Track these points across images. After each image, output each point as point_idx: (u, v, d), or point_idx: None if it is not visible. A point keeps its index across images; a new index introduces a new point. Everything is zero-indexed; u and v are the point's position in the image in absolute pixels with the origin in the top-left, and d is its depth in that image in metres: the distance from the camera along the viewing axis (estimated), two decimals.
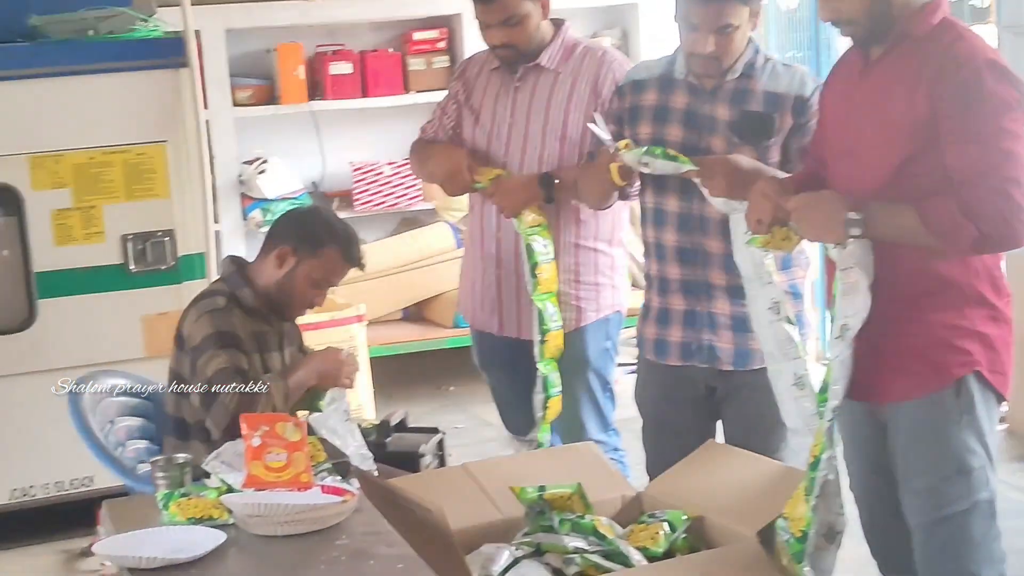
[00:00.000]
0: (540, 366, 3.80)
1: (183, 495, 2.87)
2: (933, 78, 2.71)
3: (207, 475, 3.01)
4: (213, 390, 3.36)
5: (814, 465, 2.85)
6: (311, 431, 3.30)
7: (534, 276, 3.76)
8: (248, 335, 3.49)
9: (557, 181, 3.78)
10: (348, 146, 7.05)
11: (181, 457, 3.00)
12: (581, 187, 3.61)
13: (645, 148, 3.21)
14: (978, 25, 6.17)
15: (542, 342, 3.78)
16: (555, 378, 3.83)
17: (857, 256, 2.77)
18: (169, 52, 4.66)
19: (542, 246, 3.77)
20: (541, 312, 3.77)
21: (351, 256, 3.61)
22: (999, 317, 2.85)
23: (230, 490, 2.90)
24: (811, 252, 3.59)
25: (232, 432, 3.24)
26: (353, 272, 5.73)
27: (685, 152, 3.24)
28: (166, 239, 4.67)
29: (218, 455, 3.00)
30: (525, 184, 3.78)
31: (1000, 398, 2.87)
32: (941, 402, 2.82)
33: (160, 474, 2.95)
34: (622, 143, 3.30)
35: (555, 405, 3.86)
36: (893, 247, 2.75)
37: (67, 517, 4.58)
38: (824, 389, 2.85)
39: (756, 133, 3.29)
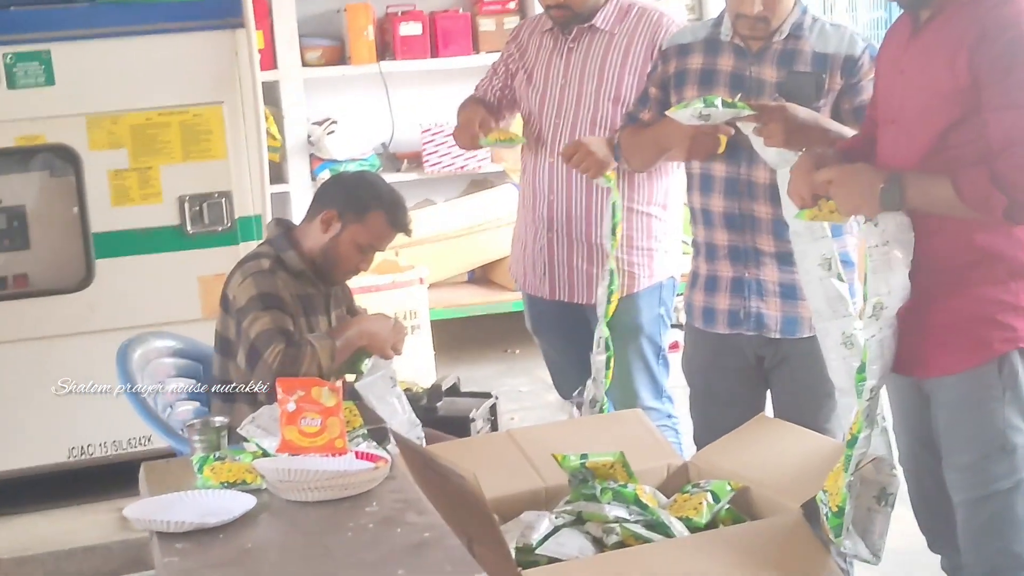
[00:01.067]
0: (603, 327, 3.72)
1: (218, 459, 2.86)
2: (974, 43, 2.60)
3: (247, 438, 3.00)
4: (257, 350, 3.34)
5: (851, 443, 2.78)
6: (354, 397, 3.28)
7: (613, 235, 3.68)
8: (293, 298, 3.47)
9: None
10: (417, 107, 7.02)
11: (218, 420, 2.99)
12: (630, 150, 3.53)
13: (702, 100, 3.11)
14: None
15: (609, 303, 3.71)
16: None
17: (891, 232, 2.67)
18: (226, 13, 4.64)
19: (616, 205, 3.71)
20: (613, 272, 3.69)
21: (397, 221, 3.57)
22: None
23: (265, 454, 2.88)
24: None
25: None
26: (420, 234, 5.76)
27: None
28: (223, 200, 4.67)
29: (254, 419, 2.99)
30: (604, 145, 3.67)
31: None
32: (983, 377, 2.72)
33: (196, 437, 2.94)
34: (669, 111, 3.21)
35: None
36: (936, 219, 2.66)
37: (124, 476, 4.60)
38: (862, 368, 2.76)
39: (805, 94, 3.19)
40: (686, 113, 3.11)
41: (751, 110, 3.06)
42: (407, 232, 3.62)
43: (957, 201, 2.58)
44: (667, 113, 3.21)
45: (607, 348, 3.70)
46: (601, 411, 3.74)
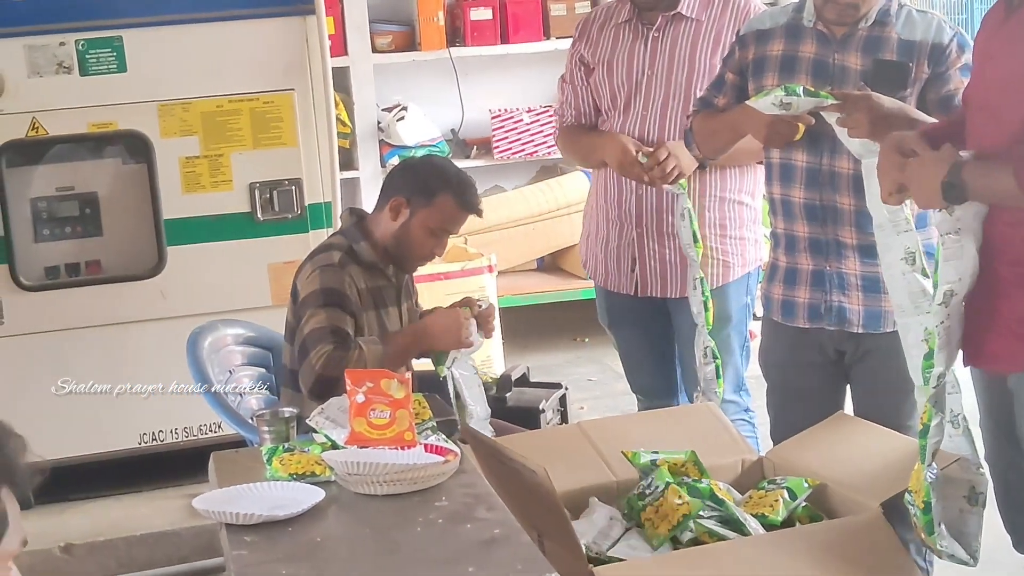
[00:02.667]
0: (707, 336, 3.64)
1: (287, 450, 2.84)
2: None
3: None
4: (306, 348, 3.32)
5: (923, 432, 2.70)
6: (424, 389, 3.24)
7: (696, 242, 3.60)
8: (363, 291, 3.44)
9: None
10: (487, 93, 6.98)
11: (287, 411, 2.97)
12: (702, 135, 3.44)
13: (782, 88, 3.03)
14: None
15: (707, 310, 3.63)
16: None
17: (965, 220, 2.59)
18: None
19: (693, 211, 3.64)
20: (703, 281, 3.62)
21: (466, 203, 3.52)
22: None
23: (334, 446, 2.85)
24: None
25: (318, 392, 3.21)
26: (489, 221, 5.70)
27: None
28: (293, 188, 4.65)
29: (322, 411, 2.96)
30: (687, 152, 3.58)
31: None
32: None
33: (265, 428, 2.93)
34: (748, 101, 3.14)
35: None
36: (1018, 210, 2.56)
37: (195, 462, 4.62)
38: (930, 355, 2.69)
39: (891, 83, 3.09)
40: (766, 101, 3.04)
41: (834, 99, 2.97)
42: (477, 213, 3.57)
43: (1020, 192, 2.49)
44: (747, 103, 3.14)
45: (715, 356, 3.64)
46: None
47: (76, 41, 4.49)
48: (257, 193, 4.63)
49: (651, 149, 3.64)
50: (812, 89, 3.02)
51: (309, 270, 3.44)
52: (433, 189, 3.48)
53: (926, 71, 3.13)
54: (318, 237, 4.58)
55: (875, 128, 2.92)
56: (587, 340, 6.56)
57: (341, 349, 3.28)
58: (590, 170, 6.45)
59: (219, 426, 4.57)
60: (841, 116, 2.98)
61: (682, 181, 3.60)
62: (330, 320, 3.33)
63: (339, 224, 4.52)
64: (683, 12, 3.73)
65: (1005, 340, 2.68)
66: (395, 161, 6.61)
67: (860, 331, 3.27)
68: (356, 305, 3.40)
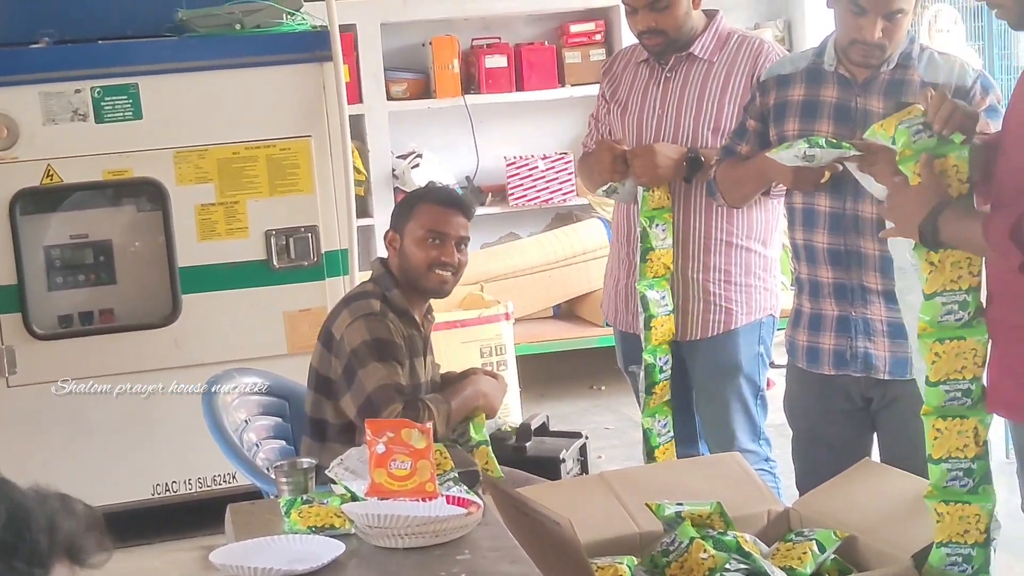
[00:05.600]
0: (645, 354, 3.67)
1: (306, 502, 2.78)
2: None
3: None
4: (375, 405, 3.27)
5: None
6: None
7: (644, 261, 3.62)
8: (402, 339, 3.42)
9: (703, 160, 3.60)
10: (502, 140, 6.98)
11: (306, 462, 2.91)
12: (727, 184, 3.42)
13: (805, 140, 3.00)
14: None
15: (648, 328, 3.63)
16: (664, 363, 3.68)
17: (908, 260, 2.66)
18: (313, 46, 4.62)
19: (660, 231, 3.61)
20: (645, 298, 3.62)
21: (443, 199, 3.52)
22: None
23: (354, 498, 2.79)
24: None
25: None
26: (505, 268, 5.66)
27: None
28: (309, 235, 4.63)
29: (342, 461, 2.91)
30: (671, 161, 3.60)
31: None
32: None
33: (284, 479, 2.87)
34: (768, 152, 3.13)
35: (661, 391, 3.71)
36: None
37: (209, 514, 4.57)
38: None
39: None
40: (788, 154, 3.01)
41: (857, 150, 2.94)
42: (463, 210, 3.52)
43: (987, 246, 2.46)
44: (768, 155, 3.11)
45: (649, 375, 3.68)
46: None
47: (92, 88, 4.49)
48: (273, 240, 4.60)
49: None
50: (834, 140, 2.99)
51: (349, 317, 3.40)
52: (410, 205, 3.53)
53: None
54: (334, 285, 4.55)
55: (898, 175, 2.89)
56: (604, 388, 6.51)
57: (411, 409, 3.25)
58: (606, 217, 6.54)
59: (233, 476, 4.52)
60: (863, 165, 2.95)
61: (651, 193, 3.59)
62: (391, 376, 3.30)
63: (356, 271, 4.51)
64: (696, 53, 3.71)
65: None
66: None
67: (887, 377, 3.23)
68: (404, 355, 3.39)
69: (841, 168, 3.05)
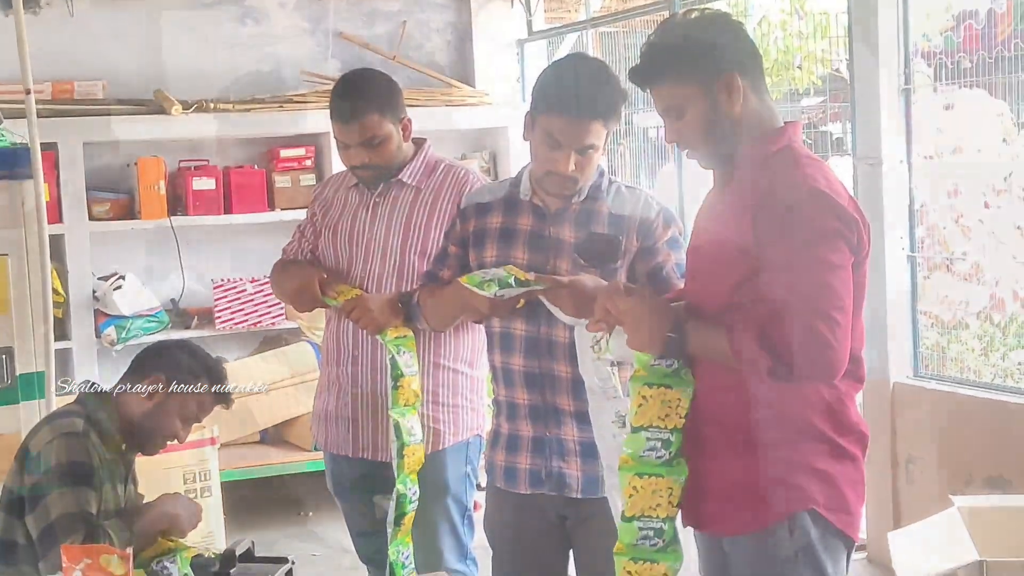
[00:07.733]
0: (397, 483, 3.64)
1: None
2: (758, 204, 2.67)
3: None
4: (55, 534, 3.18)
5: None
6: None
7: (396, 388, 3.63)
8: (101, 463, 3.34)
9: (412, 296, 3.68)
10: (210, 263, 6.93)
11: None
12: (429, 309, 3.52)
13: (495, 282, 3.15)
14: (835, 157, 6.25)
15: (400, 456, 3.64)
16: (413, 494, 3.67)
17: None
18: (12, 164, 4.52)
19: (407, 359, 3.65)
20: (399, 425, 3.62)
21: (223, 396, 3.57)
22: (842, 454, 2.76)
23: None
24: None
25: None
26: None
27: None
28: (4, 356, 4.48)
29: None
30: (385, 304, 3.66)
31: (847, 539, 2.78)
32: (775, 537, 2.72)
33: None
34: (464, 278, 3.26)
35: (409, 522, 3.69)
36: (729, 375, 2.70)
37: None
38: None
39: (602, 256, 3.24)
40: (484, 294, 3.17)
41: (544, 285, 3.14)
42: (227, 405, 3.60)
43: (732, 355, 2.63)
44: (465, 285, 3.22)
45: (399, 506, 3.63)
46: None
47: None
48: None
49: (344, 287, 3.74)
50: (523, 278, 3.16)
51: (49, 435, 3.32)
52: (195, 376, 3.50)
53: (635, 244, 3.28)
54: (29, 409, 4.40)
55: (579, 308, 3.07)
56: (311, 514, 6.46)
57: (91, 538, 3.18)
58: (316, 340, 6.55)
59: None
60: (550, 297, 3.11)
61: (386, 332, 3.63)
62: (78, 504, 3.23)
63: (53, 395, 4.39)
64: (404, 180, 3.82)
65: (718, 502, 2.79)
66: (111, 331, 6.45)
67: (579, 496, 3.33)
68: (99, 479, 3.32)
69: (537, 296, 3.19)
